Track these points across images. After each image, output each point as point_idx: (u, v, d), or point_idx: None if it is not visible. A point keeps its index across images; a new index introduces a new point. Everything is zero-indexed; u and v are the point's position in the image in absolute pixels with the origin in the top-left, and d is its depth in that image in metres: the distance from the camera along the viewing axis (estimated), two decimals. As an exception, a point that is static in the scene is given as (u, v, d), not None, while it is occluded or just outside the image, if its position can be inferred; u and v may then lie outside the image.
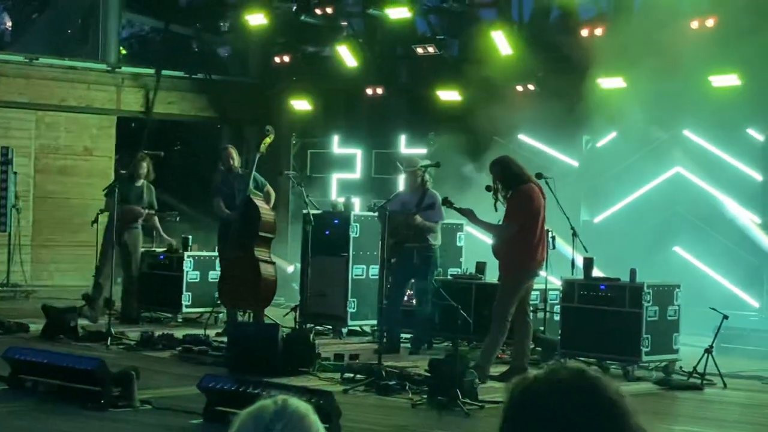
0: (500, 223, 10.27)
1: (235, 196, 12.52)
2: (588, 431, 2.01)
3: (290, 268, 16.41)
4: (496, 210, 10.28)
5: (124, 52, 22.31)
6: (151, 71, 20.01)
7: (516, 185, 10.17)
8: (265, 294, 12.37)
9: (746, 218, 14.08)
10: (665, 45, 13.65)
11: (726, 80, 13.83)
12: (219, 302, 13.32)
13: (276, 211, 13.24)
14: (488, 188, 10.32)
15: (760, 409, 9.62)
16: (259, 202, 12.44)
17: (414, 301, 12.42)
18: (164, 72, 20.01)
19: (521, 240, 10.08)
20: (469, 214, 10.44)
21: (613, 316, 10.84)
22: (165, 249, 14.68)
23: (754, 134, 14.21)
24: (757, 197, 14.17)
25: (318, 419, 2.23)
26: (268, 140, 12.62)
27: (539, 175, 11.17)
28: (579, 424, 2.01)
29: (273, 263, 12.64)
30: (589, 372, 2.08)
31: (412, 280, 12.26)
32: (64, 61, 19.28)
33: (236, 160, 12.91)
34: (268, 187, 12.93)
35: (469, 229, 13.26)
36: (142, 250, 15.25)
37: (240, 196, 12.43)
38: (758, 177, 14.17)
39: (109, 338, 11.77)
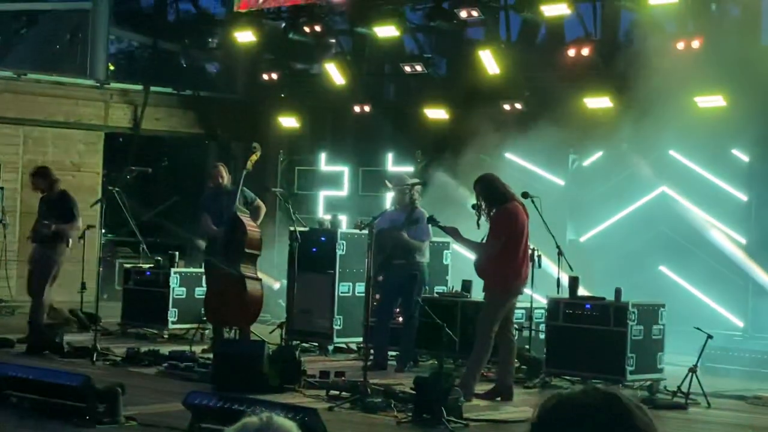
0: (483, 241, 10.30)
1: (223, 213, 12.54)
2: None
3: (276, 285, 16.42)
4: (478, 227, 10.31)
5: (112, 68, 22.31)
6: (139, 87, 20.04)
7: (500, 203, 10.19)
8: (250, 311, 12.38)
9: (726, 240, 14.12)
10: (651, 65, 13.73)
11: (711, 101, 13.92)
12: (205, 319, 13.32)
13: (264, 226, 13.26)
14: (474, 206, 10.36)
15: (744, 429, 9.66)
16: (246, 219, 12.46)
17: (400, 319, 12.45)
18: (152, 88, 20.04)
19: (505, 258, 10.10)
20: (453, 233, 10.46)
21: (598, 334, 10.88)
22: (152, 265, 14.69)
23: (739, 155, 14.30)
24: (742, 218, 14.24)
25: (302, 436, 2.26)
26: (254, 157, 12.67)
27: (525, 194, 11.21)
28: None
29: (259, 280, 12.66)
30: (624, 398, 2.06)
31: (400, 298, 12.28)
32: (51, 77, 19.28)
33: (225, 178, 12.91)
34: (258, 201, 12.96)
35: (456, 247, 13.29)
36: (129, 265, 15.28)
37: (227, 213, 12.45)
38: (743, 197, 14.25)
39: (95, 354, 11.76)
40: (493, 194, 10.21)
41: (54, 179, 13.39)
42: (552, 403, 2.08)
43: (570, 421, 2.03)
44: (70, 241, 13.16)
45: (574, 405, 2.05)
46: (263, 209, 13.05)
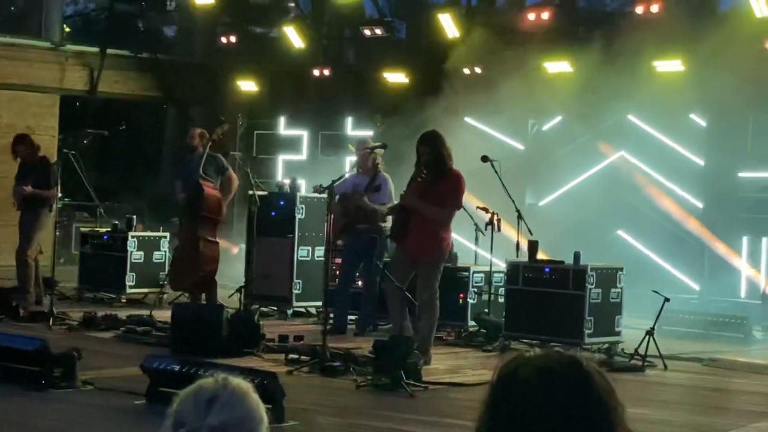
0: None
1: (190, 179, 12.49)
2: (574, 425, 1.99)
3: (235, 250, 16.36)
4: (421, 179, 10.03)
5: (67, 29, 22.01)
6: (96, 50, 19.79)
7: (449, 166, 10.03)
8: (202, 274, 12.27)
9: (680, 210, 14.23)
10: (611, 29, 13.74)
11: (670, 65, 13.96)
12: (162, 283, 13.28)
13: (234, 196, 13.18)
14: (424, 163, 10.02)
15: (700, 390, 9.76)
16: (206, 184, 12.39)
17: (360, 283, 12.43)
18: (109, 50, 19.81)
19: (447, 223, 10.11)
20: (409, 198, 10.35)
21: (557, 298, 10.92)
22: (109, 229, 14.57)
23: (697, 119, 14.37)
24: (699, 182, 14.34)
25: (258, 397, 2.23)
26: (220, 130, 12.60)
27: (485, 158, 11.20)
28: (565, 416, 1.99)
29: (216, 243, 12.57)
30: (585, 363, 2.06)
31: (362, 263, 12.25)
32: (6, 39, 18.99)
33: (196, 140, 12.80)
34: (230, 172, 12.84)
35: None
36: (86, 229, 15.15)
37: (191, 180, 12.39)
38: (700, 162, 14.34)
39: (51, 319, 11.66)
40: (445, 155, 10.03)
41: (35, 146, 13.15)
42: (513, 366, 2.06)
43: (530, 384, 2.01)
44: (53, 206, 13.01)
45: (535, 368, 2.04)
46: (235, 181, 12.91)
